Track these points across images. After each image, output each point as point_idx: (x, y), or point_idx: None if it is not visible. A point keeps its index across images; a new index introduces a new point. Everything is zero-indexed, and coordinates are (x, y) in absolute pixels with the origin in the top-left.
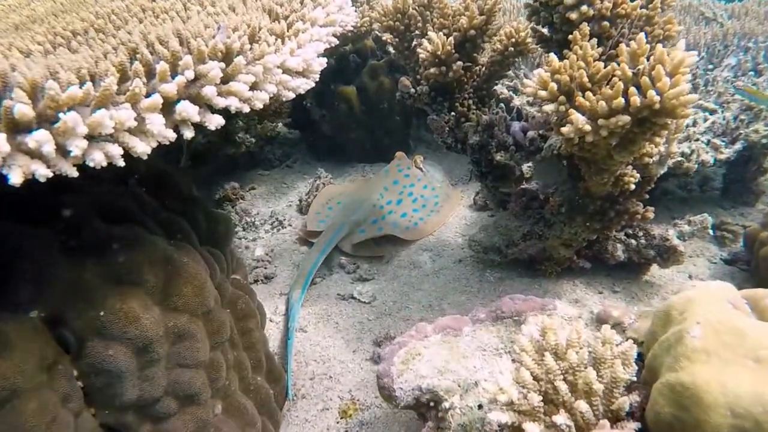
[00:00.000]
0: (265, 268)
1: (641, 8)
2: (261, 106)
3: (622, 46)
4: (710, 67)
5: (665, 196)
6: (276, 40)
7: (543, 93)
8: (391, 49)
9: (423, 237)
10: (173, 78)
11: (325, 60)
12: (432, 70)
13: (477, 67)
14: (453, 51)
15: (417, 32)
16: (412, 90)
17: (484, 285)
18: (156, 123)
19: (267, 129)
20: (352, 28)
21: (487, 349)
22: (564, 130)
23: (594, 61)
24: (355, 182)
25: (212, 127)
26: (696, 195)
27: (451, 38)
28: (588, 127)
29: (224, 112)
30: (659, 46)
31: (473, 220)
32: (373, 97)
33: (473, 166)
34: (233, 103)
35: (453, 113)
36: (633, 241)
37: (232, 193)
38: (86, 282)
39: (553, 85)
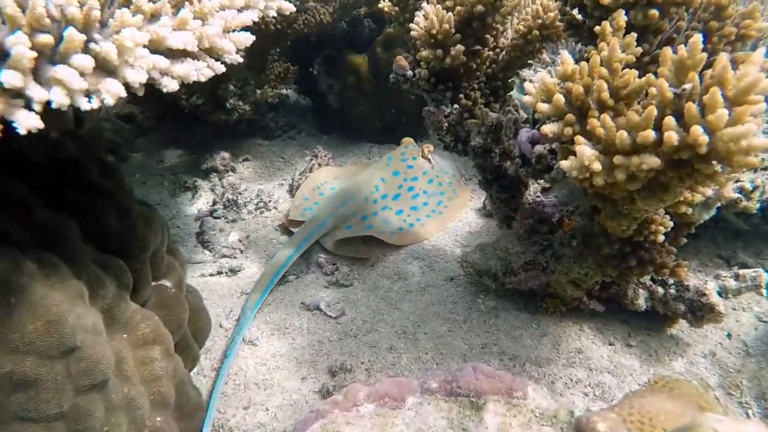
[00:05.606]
0: (235, 257)
1: None
2: (112, 102)
3: (666, 50)
4: None
5: (715, 224)
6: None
7: (544, 107)
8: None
9: (417, 242)
10: None
11: (249, 37)
12: (425, 52)
13: (490, 52)
14: (452, 30)
15: (422, 1)
16: (410, 72)
17: (473, 314)
18: None
19: (267, 95)
20: None
21: None
22: (564, 164)
23: (623, 68)
24: (357, 165)
25: (23, 131)
26: (756, 227)
27: (451, 14)
28: (597, 166)
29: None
30: (723, 55)
31: (478, 227)
32: (385, 70)
33: (478, 172)
34: (56, 98)
35: (456, 106)
36: (660, 290)
37: (221, 164)
38: None
39: (560, 98)
